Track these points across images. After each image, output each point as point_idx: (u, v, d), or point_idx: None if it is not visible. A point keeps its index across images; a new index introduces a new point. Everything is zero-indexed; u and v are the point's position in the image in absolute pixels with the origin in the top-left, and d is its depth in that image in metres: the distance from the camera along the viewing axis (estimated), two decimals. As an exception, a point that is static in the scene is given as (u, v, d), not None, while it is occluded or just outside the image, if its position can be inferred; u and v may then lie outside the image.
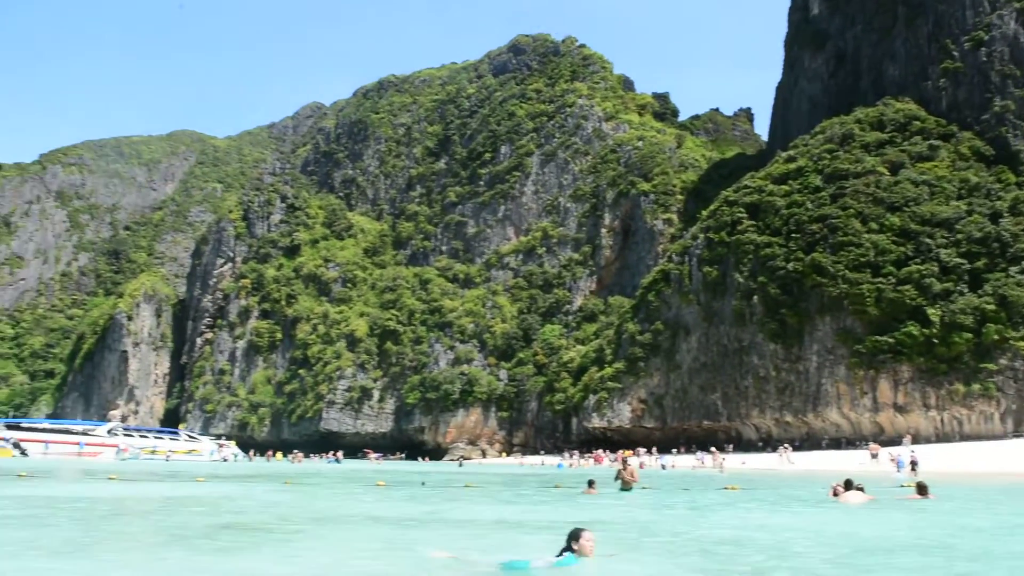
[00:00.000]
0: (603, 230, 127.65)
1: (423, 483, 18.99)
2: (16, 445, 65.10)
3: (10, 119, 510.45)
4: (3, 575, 8.61)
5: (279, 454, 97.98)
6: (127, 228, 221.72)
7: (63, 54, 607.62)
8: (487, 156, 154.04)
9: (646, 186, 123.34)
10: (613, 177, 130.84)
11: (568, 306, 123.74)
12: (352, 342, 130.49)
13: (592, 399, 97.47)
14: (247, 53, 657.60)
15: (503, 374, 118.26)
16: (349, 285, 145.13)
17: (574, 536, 9.89)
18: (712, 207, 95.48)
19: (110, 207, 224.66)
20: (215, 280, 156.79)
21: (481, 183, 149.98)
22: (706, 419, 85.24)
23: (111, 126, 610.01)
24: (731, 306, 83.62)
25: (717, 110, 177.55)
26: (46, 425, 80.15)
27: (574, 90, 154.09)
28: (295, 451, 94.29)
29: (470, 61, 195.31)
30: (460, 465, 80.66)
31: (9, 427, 73.22)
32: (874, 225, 75.56)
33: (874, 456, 52.54)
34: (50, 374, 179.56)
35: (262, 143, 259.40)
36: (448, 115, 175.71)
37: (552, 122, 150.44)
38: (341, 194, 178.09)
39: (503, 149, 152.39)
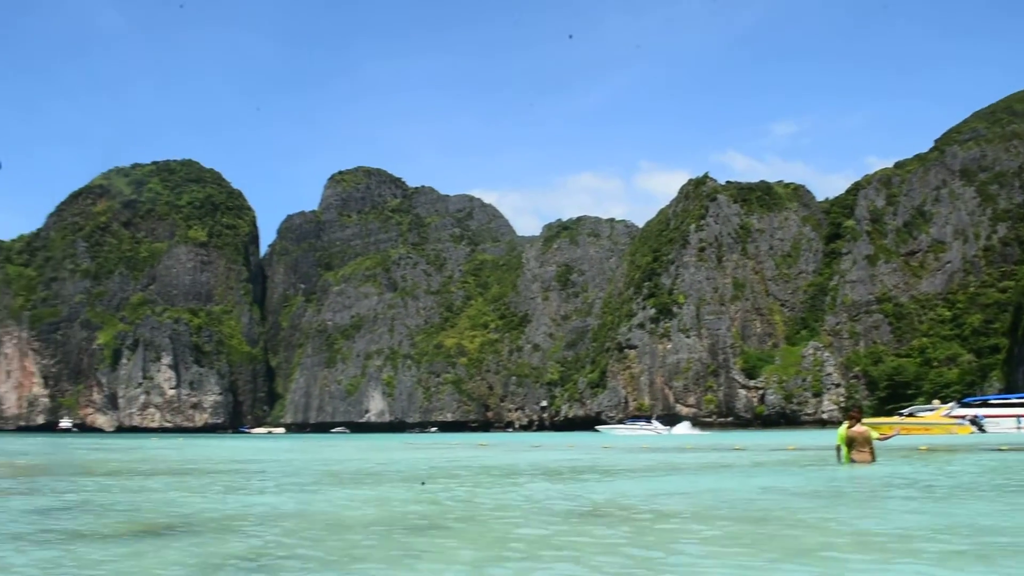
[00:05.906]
0: None
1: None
2: (973, 421, 66.21)
3: (907, 115, 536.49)
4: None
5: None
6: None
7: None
8: None
9: None
10: None
11: None
12: None
13: None
14: None
15: None
16: None
17: None
18: None
19: (1016, 170, 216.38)
20: None
21: None
22: None
23: (995, 90, 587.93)
24: None
25: None
26: (1015, 400, 79.74)
27: None
28: None
29: None
30: None
31: (973, 405, 75.35)
32: None
33: None
34: (995, 349, 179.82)
35: None
36: None
37: None
38: None
39: None
